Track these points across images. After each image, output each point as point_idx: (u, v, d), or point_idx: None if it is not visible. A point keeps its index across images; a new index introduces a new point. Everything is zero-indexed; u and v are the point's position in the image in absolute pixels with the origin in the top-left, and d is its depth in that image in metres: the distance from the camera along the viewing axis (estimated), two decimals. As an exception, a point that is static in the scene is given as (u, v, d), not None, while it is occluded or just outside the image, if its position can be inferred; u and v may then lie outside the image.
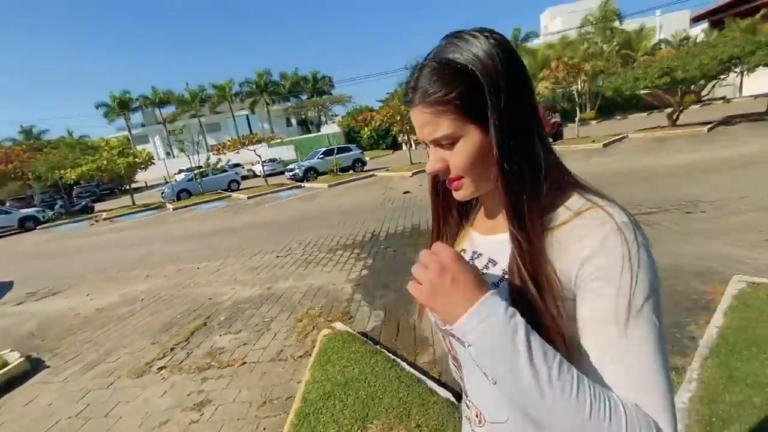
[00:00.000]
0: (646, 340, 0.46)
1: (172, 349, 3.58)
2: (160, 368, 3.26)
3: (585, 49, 24.05)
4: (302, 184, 16.45)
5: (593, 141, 13.26)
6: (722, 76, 12.32)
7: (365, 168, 18.73)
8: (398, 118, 13.41)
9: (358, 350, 2.65)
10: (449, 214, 0.73)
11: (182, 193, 18.01)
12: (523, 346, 0.43)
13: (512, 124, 0.52)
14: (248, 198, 15.04)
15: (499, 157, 0.53)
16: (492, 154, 0.54)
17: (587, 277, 0.49)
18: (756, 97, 20.71)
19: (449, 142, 0.55)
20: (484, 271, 0.61)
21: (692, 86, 12.90)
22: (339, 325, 3.24)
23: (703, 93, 14.04)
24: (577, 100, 15.88)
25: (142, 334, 4.05)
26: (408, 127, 13.98)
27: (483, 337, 0.45)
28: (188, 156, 18.37)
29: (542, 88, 18.20)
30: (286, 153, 31.38)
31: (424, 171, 14.20)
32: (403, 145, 33.21)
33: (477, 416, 0.66)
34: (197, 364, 3.22)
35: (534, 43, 27.73)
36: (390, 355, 2.65)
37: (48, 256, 10.03)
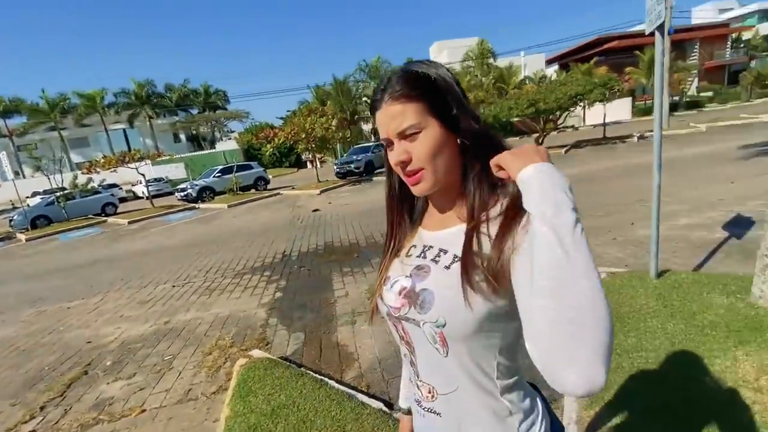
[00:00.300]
0: None
1: (42, 408, 2.92)
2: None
3: (468, 81, 27.22)
4: (196, 206, 15.03)
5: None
6: (572, 108, 15.13)
7: (268, 186, 18.01)
8: (303, 135, 13.26)
9: (281, 375, 2.52)
10: (402, 218, 0.79)
11: (39, 220, 14.89)
12: (572, 197, 0.51)
13: (470, 124, 0.65)
14: (129, 223, 13.17)
15: (464, 148, 0.66)
16: (448, 149, 0.65)
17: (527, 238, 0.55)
18: (594, 126, 25.77)
19: (414, 132, 0.62)
20: (437, 259, 0.68)
21: (551, 116, 15.54)
22: (256, 353, 3.04)
23: (559, 122, 16.97)
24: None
25: (-6, 396, 3.21)
26: (314, 145, 13.93)
27: (546, 177, 0.52)
28: (47, 176, 15.32)
29: None
30: (175, 172, 28.42)
31: (332, 188, 14.30)
32: (308, 163, 32.88)
33: (429, 392, 0.71)
34: (80, 421, 2.68)
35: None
36: (316, 375, 2.58)
37: None
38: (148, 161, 16.44)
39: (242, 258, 6.60)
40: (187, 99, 48.45)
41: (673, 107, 30.56)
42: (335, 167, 16.58)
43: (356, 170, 16.06)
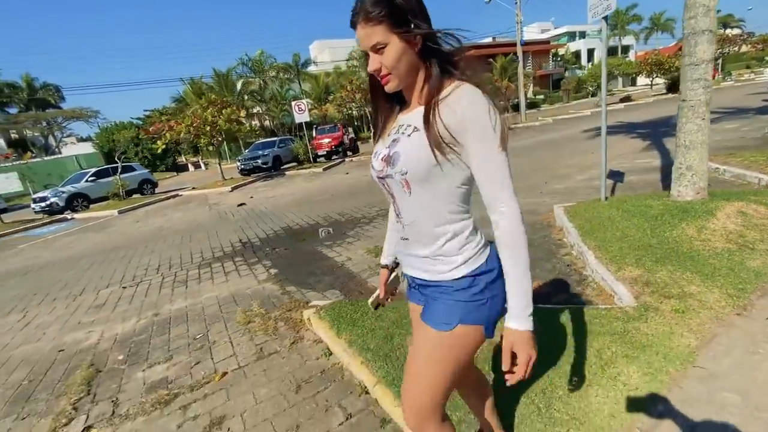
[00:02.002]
0: (504, 161, 0.88)
1: (74, 408, 2.50)
2: (88, 428, 2.28)
3: (356, 79, 28.33)
4: (68, 216, 12.36)
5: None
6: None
7: (156, 190, 15.83)
8: (207, 129, 12.10)
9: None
10: (382, 103, 1.06)
11: None
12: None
13: (427, 34, 0.88)
14: (-28, 244, 10.17)
15: (424, 52, 0.89)
16: (407, 56, 0.88)
17: (465, 124, 0.85)
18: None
19: (381, 47, 0.85)
20: (404, 131, 0.95)
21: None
22: (318, 302, 3.15)
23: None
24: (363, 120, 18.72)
25: (-11, 415, 2.56)
26: (219, 139, 12.82)
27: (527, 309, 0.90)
28: None
29: (332, 110, 20.25)
30: (5, 184, 22.39)
31: (243, 185, 13.39)
32: (191, 166, 29.51)
33: (408, 222, 1.02)
34: (148, 403, 2.43)
35: (311, 69, 30.41)
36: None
37: None
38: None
39: (192, 252, 6.04)
40: (1, 95, 38.19)
41: (518, 106, 37.25)
42: (239, 164, 15.58)
43: (264, 165, 15.41)
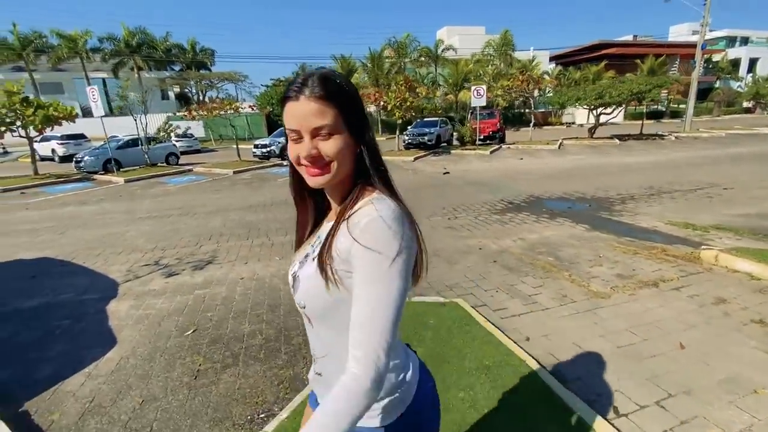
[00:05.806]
0: (390, 309, 0.65)
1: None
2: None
3: (493, 69, 28.83)
4: (284, 163, 15.20)
5: (548, 143, 16.69)
6: (622, 105, 17.21)
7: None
8: (408, 102, 13.89)
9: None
10: (305, 203, 0.89)
11: (109, 164, 14.28)
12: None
13: (368, 135, 0.77)
14: (234, 173, 13.21)
15: (369, 160, 0.76)
16: (349, 154, 0.74)
17: (355, 252, 0.67)
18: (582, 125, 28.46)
19: (327, 133, 0.69)
20: (315, 248, 0.79)
21: (604, 108, 17.58)
22: (715, 246, 4.29)
23: (612, 115, 18.92)
24: (532, 108, 19.47)
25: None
26: (412, 114, 14.62)
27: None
28: (136, 117, 14.74)
29: (493, 95, 21.03)
30: (193, 130, 27.23)
31: (421, 157, 15.07)
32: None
33: (319, 356, 0.85)
34: (619, 285, 3.77)
35: (449, 55, 31.42)
36: None
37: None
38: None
39: (472, 203, 7.49)
40: (170, 54, 45.24)
41: (660, 114, 34.54)
42: (406, 138, 17.38)
43: (428, 143, 17.04)
